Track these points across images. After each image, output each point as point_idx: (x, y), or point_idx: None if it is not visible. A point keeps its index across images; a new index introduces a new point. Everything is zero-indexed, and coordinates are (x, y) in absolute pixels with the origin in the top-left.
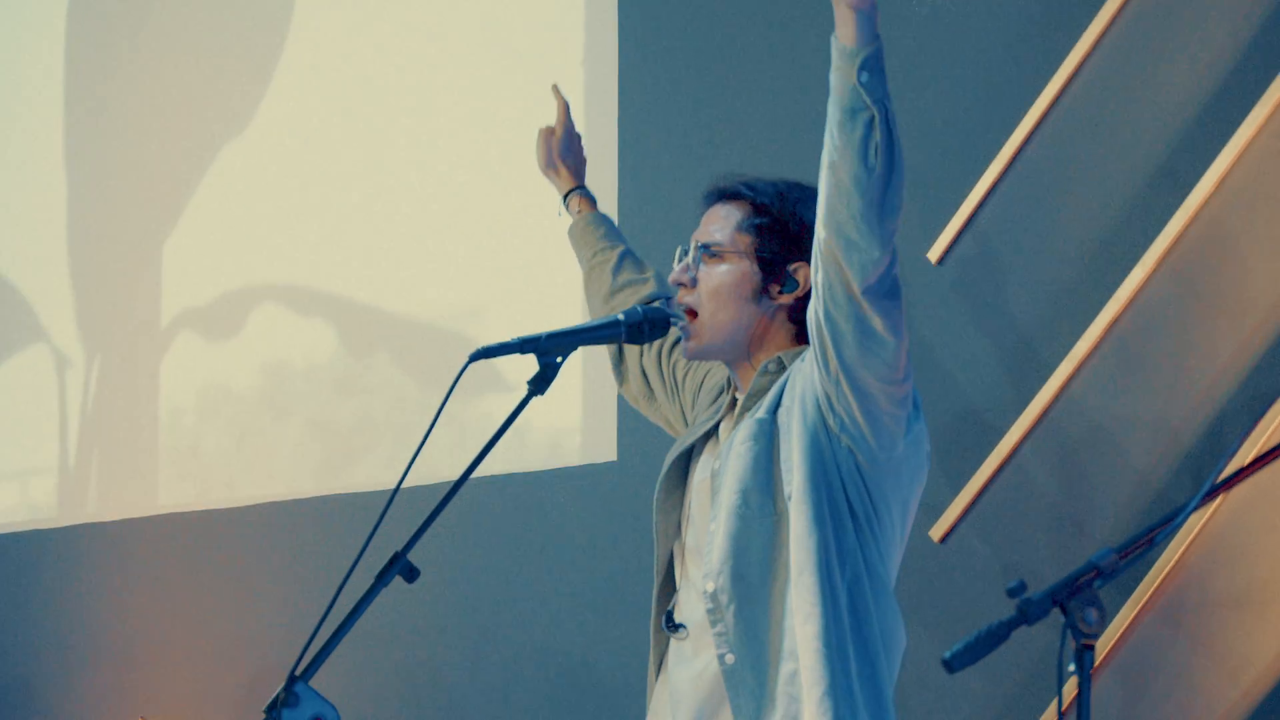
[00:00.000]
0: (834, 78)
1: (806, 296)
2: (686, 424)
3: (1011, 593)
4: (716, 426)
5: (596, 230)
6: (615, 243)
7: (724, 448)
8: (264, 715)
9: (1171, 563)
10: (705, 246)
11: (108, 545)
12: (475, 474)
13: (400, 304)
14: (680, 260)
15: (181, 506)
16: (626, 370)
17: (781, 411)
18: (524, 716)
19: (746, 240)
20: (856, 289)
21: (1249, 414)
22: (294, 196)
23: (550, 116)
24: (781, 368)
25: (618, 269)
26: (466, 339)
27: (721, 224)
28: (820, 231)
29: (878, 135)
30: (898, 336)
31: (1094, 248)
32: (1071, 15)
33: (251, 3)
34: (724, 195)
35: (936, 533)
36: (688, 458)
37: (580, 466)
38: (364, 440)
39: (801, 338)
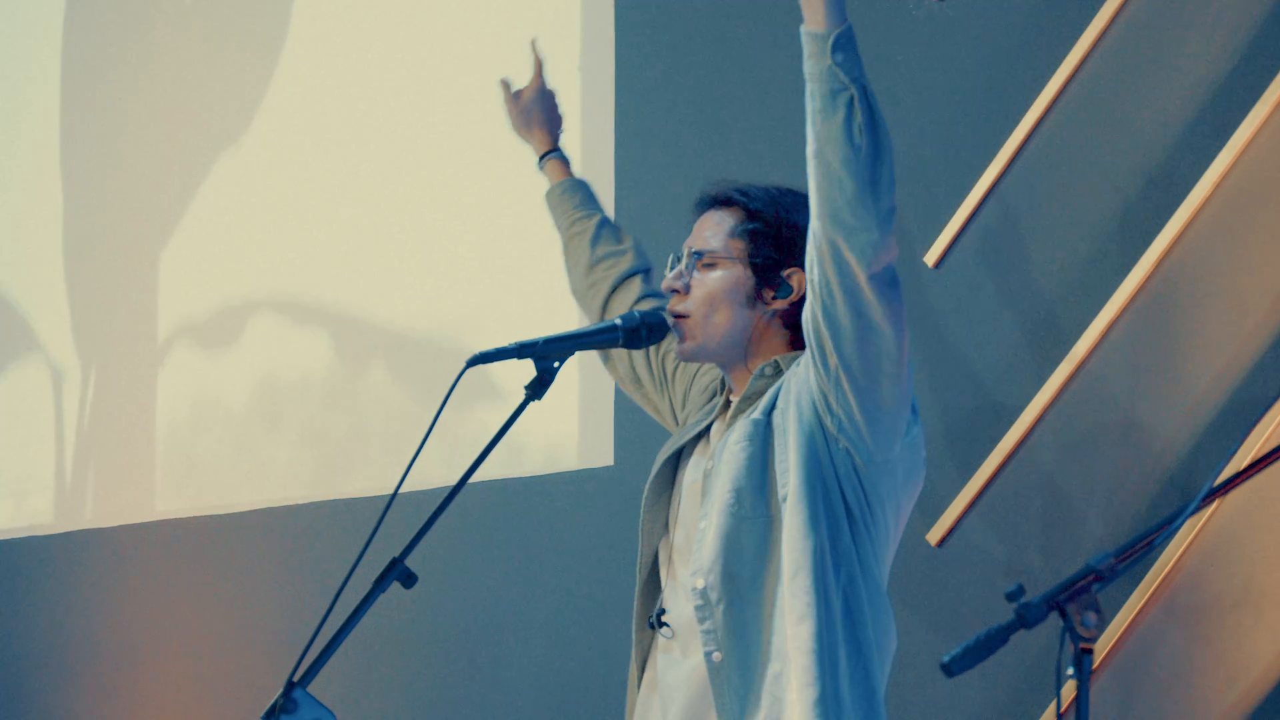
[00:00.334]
0: (808, 65)
1: (801, 301)
2: (675, 418)
3: (1010, 596)
4: (708, 428)
5: (573, 198)
6: (592, 210)
7: (716, 448)
8: None
9: (1169, 566)
10: (699, 253)
11: (104, 551)
12: (472, 479)
13: (395, 316)
14: (673, 267)
15: (178, 513)
16: (612, 354)
17: (776, 414)
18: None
19: (740, 246)
20: (863, 276)
21: (1246, 418)
22: (290, 208)
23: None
24: (778, 371)
25: (596, 239)
26: (462, 351)
27: (715, 230)
28: (816, 225)
29: (859, 114)
30: (898, 328)
31: (1091, 251)
32: (1069, 17)
33: (246, 15)
34: (716, 202)
35: (934, 536)
36: (677, 458)
37: (577, 471)
38: (360, 448)
39: (796, 343)
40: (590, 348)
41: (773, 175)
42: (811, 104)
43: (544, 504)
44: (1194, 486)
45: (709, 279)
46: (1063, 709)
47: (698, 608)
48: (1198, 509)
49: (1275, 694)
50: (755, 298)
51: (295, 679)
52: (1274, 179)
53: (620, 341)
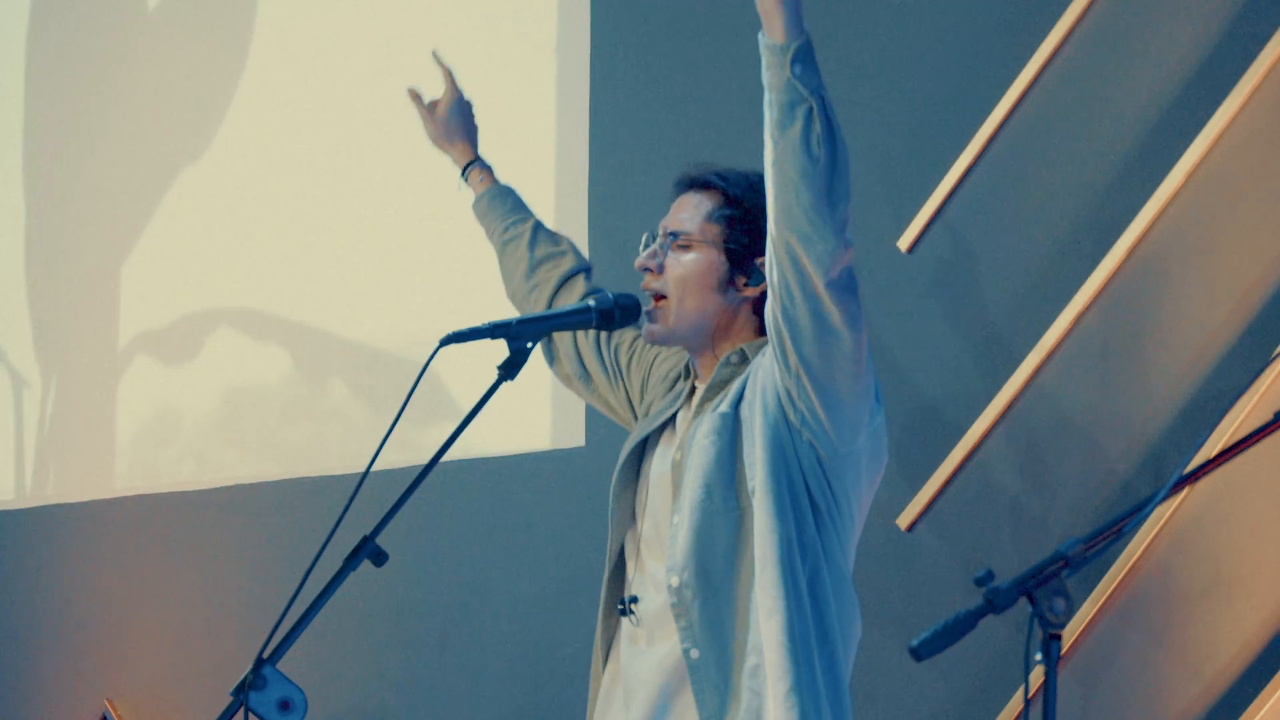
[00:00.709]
0: (767, 76)
1: None
2: (632, 410)
3: (979, 582)
4: (674, 417)
5: (503, 204)
6: (524, 215)
7: (685, 439)
8: (231, 698)
9: (1137, 554)
10: (674, 234)
11: (71, 528)
12: (444, 458)
13: (356, 327)
14: (647, 246)
15: (146, 489)
16: (557, 352)
17: (744, 406)
18: (491, 700)
19: (715, 230)
20: (820, 282)
21: (1216, 407)
22: (251, 221)
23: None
24: (744, 359)
25: (534, 243)
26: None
27: (692, 213)
28: (774, 230)
29: (818, 125)
30: (856, 330)
31: (1063, 239)
32: (1043, 6)
33: (209, 29)
34: (695, 184)
35: (904, 521)
36: (643, 448)
37: (548, 452)
38: (318, 449)
39: (764, 330)
40: (564, 328)
41: (748, 161)
42: (769, 113)
43: (515, 484)
44: (1164, 474)
45: (683, 261)
46: (1030, 694)
47: (673, 605)
48: (1167, 496)
49: (1242, 681)
50: (728, 283)
51: (265, 656)
52: (1245, 169)
53: (594, 322)
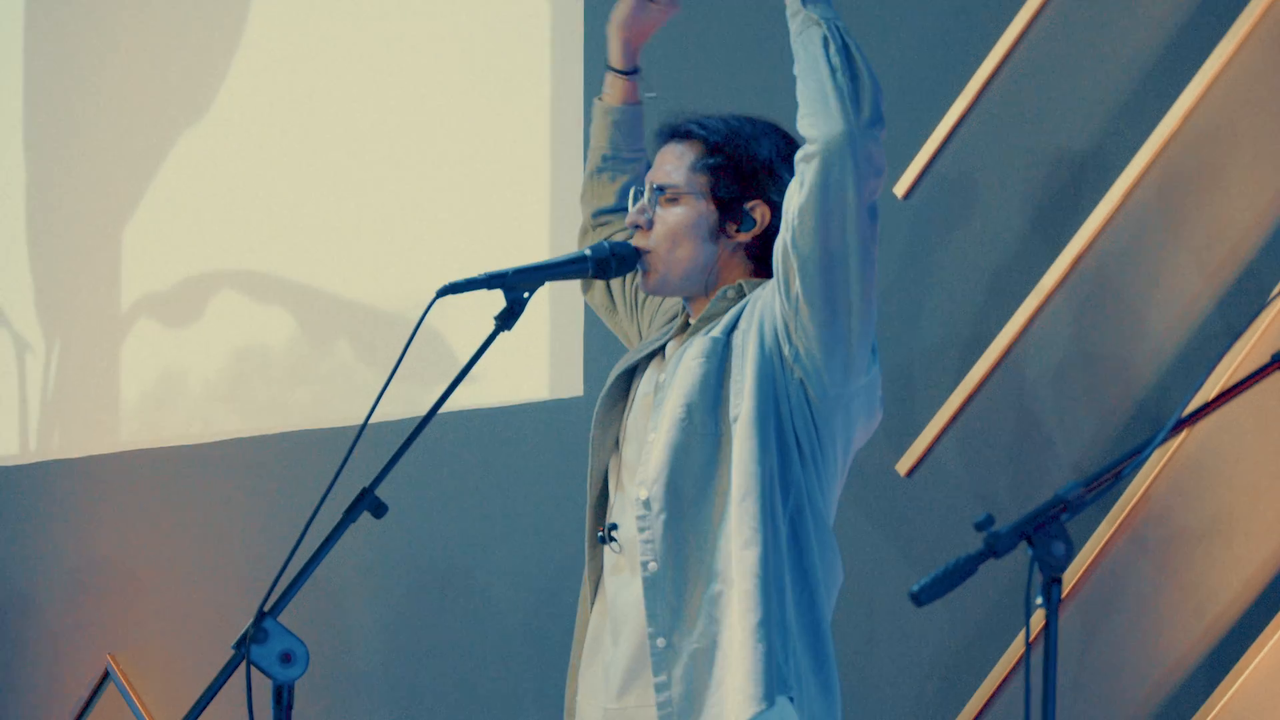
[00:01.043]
0: (788, 9)
1: (764, 234)
2: (641, 337)
3: (979, 526)
4: (664, 346)
5: (631, 133)
6: (639, 157)
7: (671, 363)
8: (233, 651)
9: (1137, 496)
10: (661, 188)
11: (73, 483)
12: (442, 409)
13: (359, 289)
14: (635, 201)
15: (148, 443)
16: (593, 281)
17: (737, 334)
18: (494, 649)
19: (702, 180)
20: (851, 191)
21: (1214, 349)
22: (254, 182)
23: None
24: (740, 294)
25: (626, 191)
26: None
27: (675, 164)
28: (807, 133)
29: (834, 43)
30: (865, 263)
31: (1060, 182)
32: None
33: None
34: (676, 134)
35: (904, 466)
36: (630, 375)
37: (547, 401)
38: (321, 412)
39: (759, 273)
40: (560, 278)
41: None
42: (793, 38)
43: (513, 434)
44: (1163, 417)
45: (671, 214)
46: (1031, 638)
47: (639, 518)
48: (1166, 439)
49: (1243, 622)
50: (718, 231)
51: (266, 609)
52: (1242, 110)
53: (590, 272)
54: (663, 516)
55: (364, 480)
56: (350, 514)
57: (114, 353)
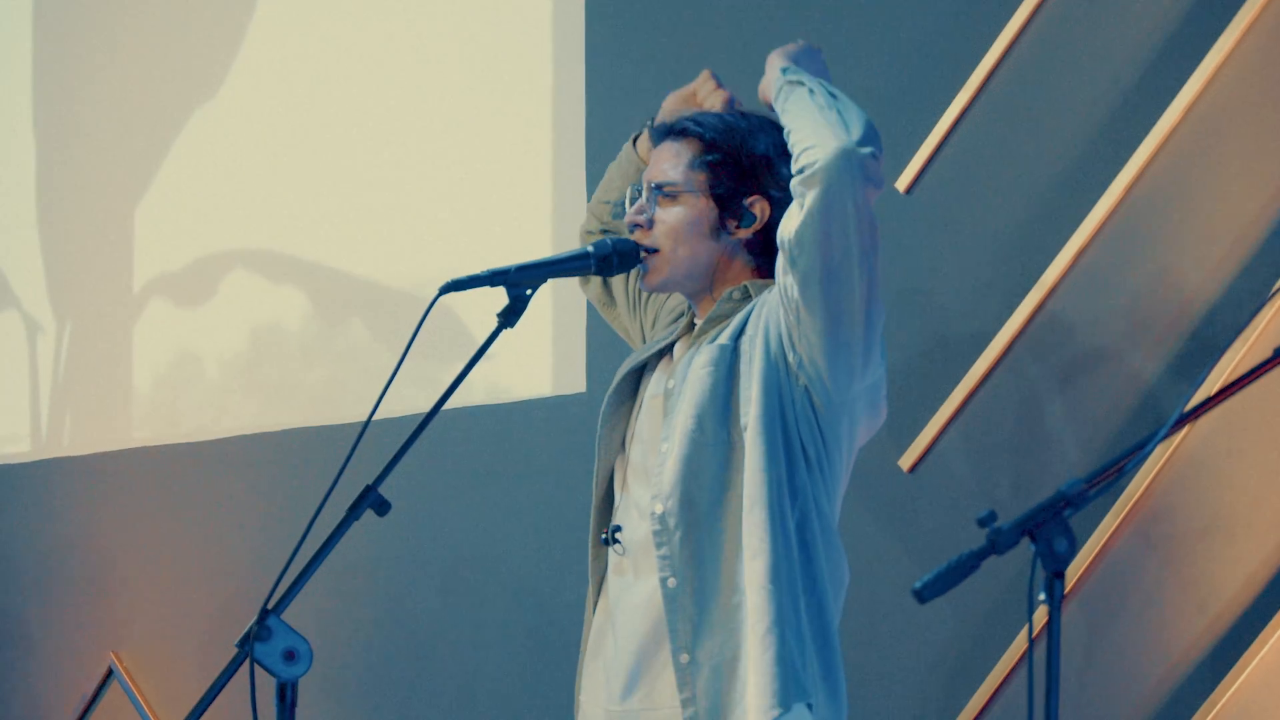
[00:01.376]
0: (771, 91)
1: (765, 229)
2: (643, 335)
3: (982, 522)
4: (671, 346)
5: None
6: None
7: (680, 367)
8: (236, 649)
9: (1140, 492)
10: (659, 187)
11: (78, 481)
12: (446, 406)
13: (372, 269)
14: (634, 201)
15: (153, 441)
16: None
17: (745, 339)
18: (495, 646)
19: (700, 178)
20: (850, 201)
21: (1216, 344)
22: (266, 162)
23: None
24: (747, 296)
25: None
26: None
27: (673, 162)
28: (808, 159)
29: (820, 92)
30: (866, 274)
31: (1063, 176)
32: None
33: None
34: (672, 133)
35: (906, 462)
36: (638, 375)
37: (549, 398)
38: (337, 390)
39: (762, 270)
40: (563, 274)
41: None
42: (780, 112)
43: (517, 430)
44: (1165, 412)
45: (671, 213)
46: (1034, 634)
47: (655, 533)
48: (1168, 434)
49: (1245, 619)
50: (719, 228)
51: (270, 606)
52: (1242, 106)
53: (592, 269)
54: (679, 531)
55: (367, 477)
56: (354, 512)
57: (125, 335)
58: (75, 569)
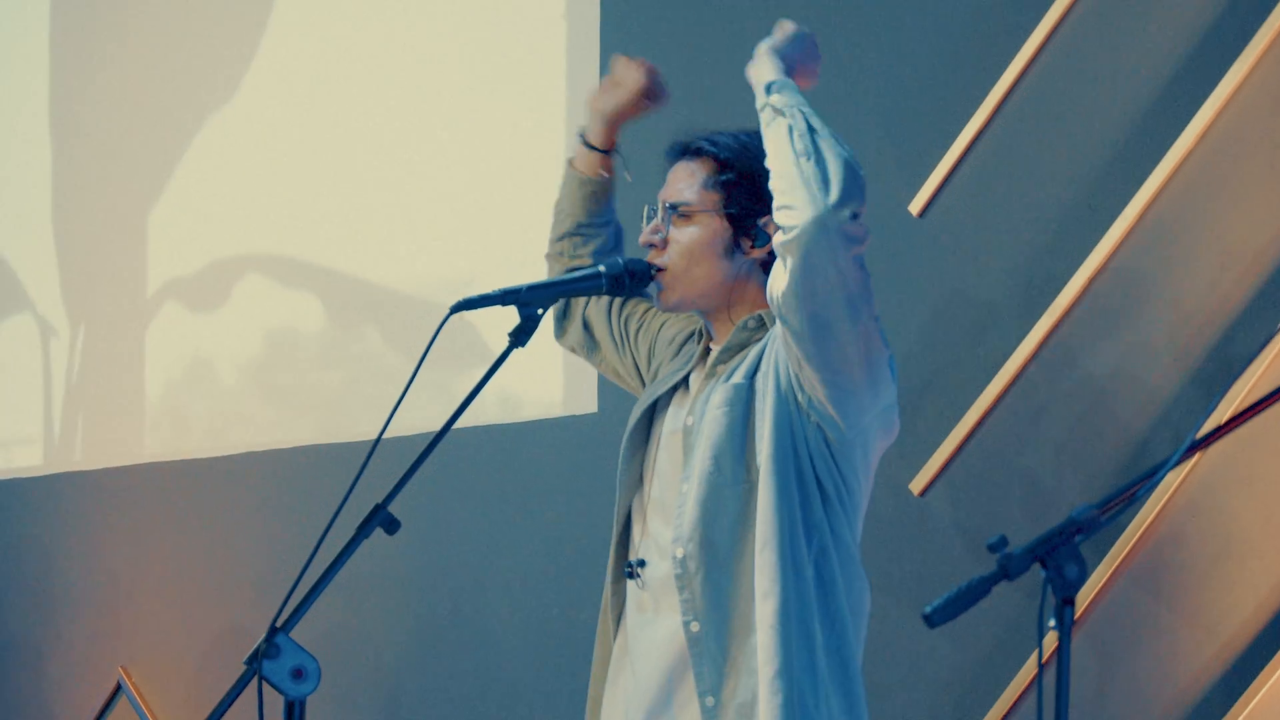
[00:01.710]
0: (758, 105)
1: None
2: (640, 378)
3: (992, 548)
4: (686, 378)
5: (602, 202)
6: (608, 220)
7: (698, 403)
8: (245, 666)
9: (1150, 519)
10: (674, 207)
11: (89, 494)
12: (457, 426)
13: (386, 273)
14: (649, 220)
15: (163, 456)
16: (568, 323)
17: (759, 377)
18: (504, 666)
19: (714, 198)
20: (833, 270)
21: (1228, 371)
22: (280, 167)
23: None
24: (761, 325)
25: (599, 253)
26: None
27: (688, 182)
28: (786, 222)
29: (798, 130)
30: (856, 326)
31: (1075, 202)
32: None
33: None
34: (687, 152)
35: (917, 486)
36: (652, 410)
37: (561, 418)
38: (350, 404)
39: None
40: (574, 294)
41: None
42: (764, 140)
43: (528, 450)
44: (1176, 439)
45: (685, 232)
46: (1044, 660)
47: (677, 576)
48: (1180, 461)
49: (1256, 646)
50: (733, 248)
51: (278, 624)
52: (1256, 132)
53: (604, 289)
54: (700, 574)
55: (377, 496)
56: (363, 530)
57: (139, 340)
58: (85, 583)
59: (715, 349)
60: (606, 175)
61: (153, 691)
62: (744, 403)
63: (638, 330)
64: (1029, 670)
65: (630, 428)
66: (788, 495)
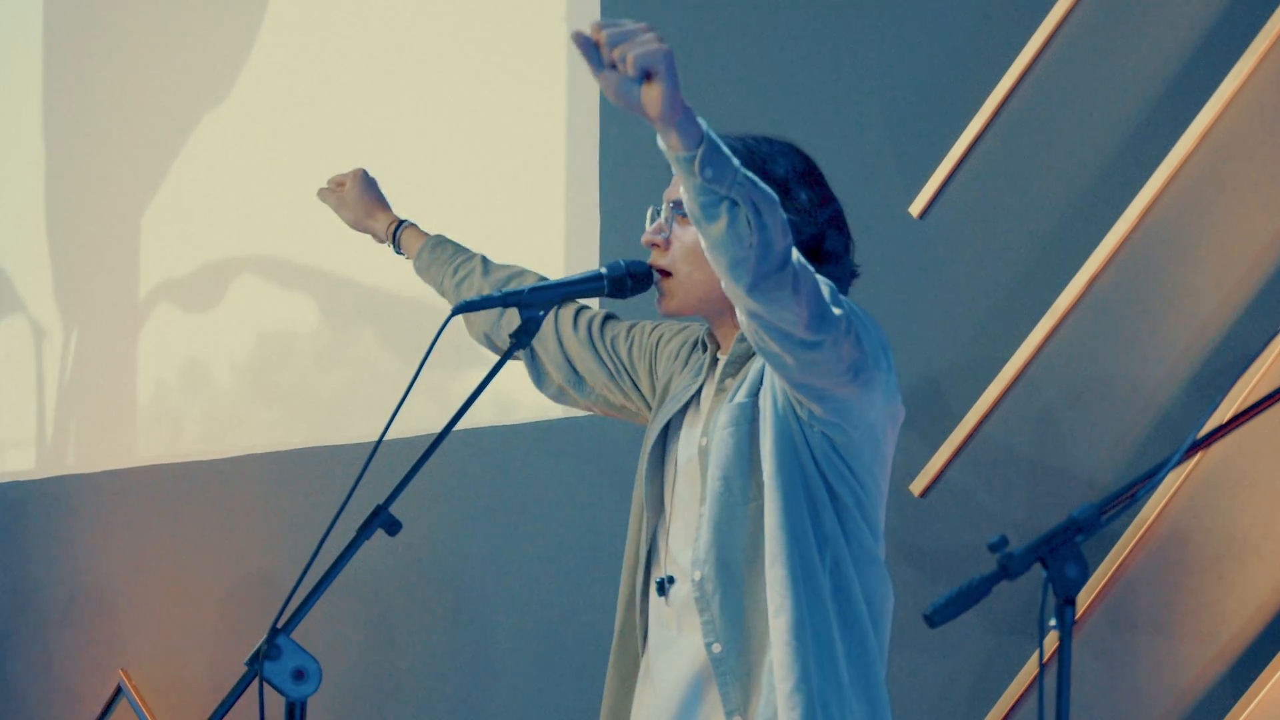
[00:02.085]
0: (684, 184)
1: None
2: (642, 395)
3: (993, 547)
4: (698, 392)
5: (442, 251)
6: (467, 255)
7: (710, 423)
8: (245, 667)
9: (1151, 519)
10: (678, 205)
11: (87, 497)
12: (457, 427)
13: (380, 276)
14: (653, 220)
15: (162, 459)
16: (544, 366)
17: (762, 394)
18: (504, 670)
19: None
20: (788, 343)
21: (1229, 371)
22: (275, 168)
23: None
24: None
25: (486, 273)
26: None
27: None
28: (736, 305)
29: (743, 213)
30: (836, 348)
31: (1076, 203)
32: None
33: None
34: None
35: (917, 487)
36: (666, 430)
37: (561, 420)
38: (346, 407)
39: None
40: (575, 296)
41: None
42: (691, 210)
43: (528, 452)
44: (1177, 439)
45: (690, 232)
46: (1045, 660)
47: (696, 599)
48: (1181, 461)
49: (1257, 646)
50: None
51: (279, 626)
52: (1258, 132)
53: (605, 290)
54: (718, 596)
55: (378, 497)
56: (364, 531)
57: (132, 341)
58: (84, 586)
59: (722, 358)
60: (421, 243)
61: (153, 694)
62: (748, 421)
63: (630, 349)
64: (1030, 670)
65: (647, 450)
66: (795, 510)
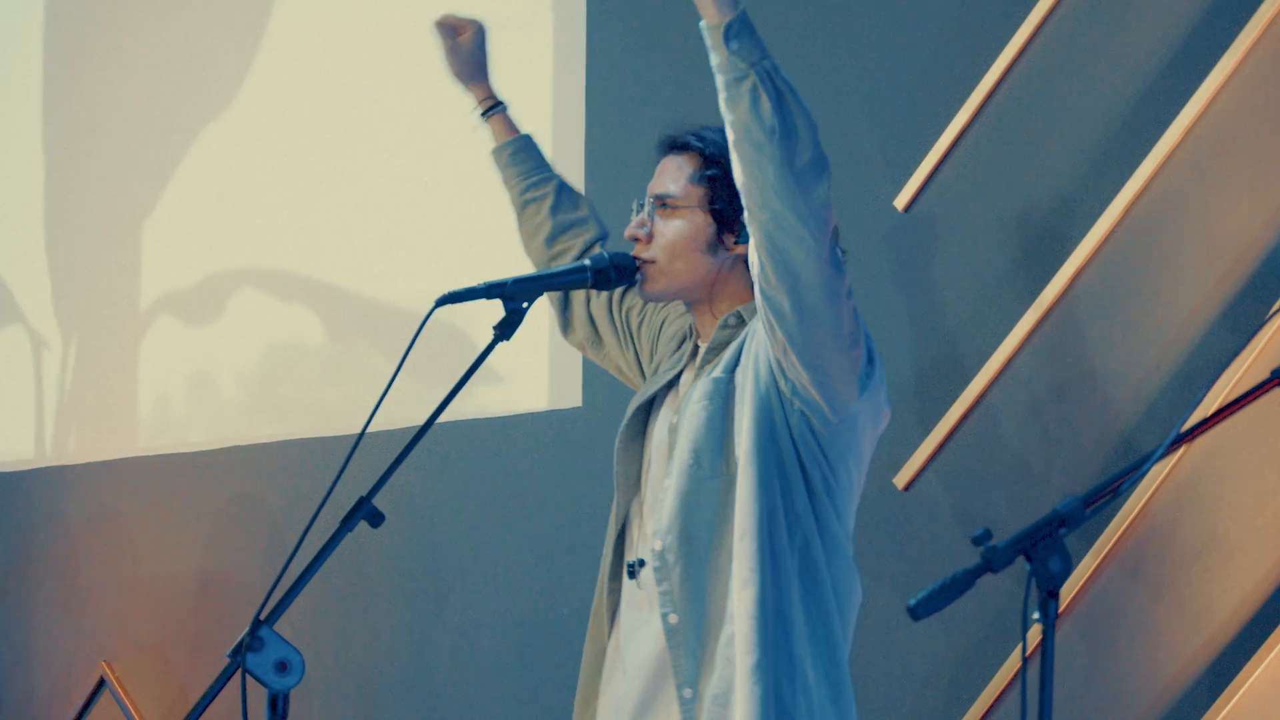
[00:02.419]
0: (712, 60)
1: None
2: (642, 371)
3: (977, 540)
4: (678, 377)
5: (526, 159)
6: (546, 175)
7: (683, 403)
8: (228, 659)
9: (1135, 511)
10: (658, 198)
11: (70, 488)
12: (441, 419)
13: (382, 288)
14: (636, 214)
15: (145, 450)
16: (572, 317)
17: (739, 371)
18: (488, 661)
19: (699, 192)
20: (800, 264)
21: (1214, 365)
22: (274, 180)
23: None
24: (741, 322)
25: (556, 207)
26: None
27: (674, 175)
28: (748, 216)
29: (765, 97)
30: (836, 307)
31: (1060, 198)
32: None
33: None
34: (675, 146)
35: (901, 480)
36: (648, 408)
37: (545, 412)
38: (331, 394)
39: None
40: (559, 288)
41: None
42: (721, 96)
43: (512, 444)
44: (1162, 432)
45: (670, 226)
46: (1028, 652)
47: (656, 569)
48: (1164, 454)
49: (1240, 640)
50: (716, 243)
51: (262, 617)
52: (1242, 126)
53: (589, 283)
54: (679, 567)
55: (362, 489)
56: (347, 523)
57: (132, 351)
58: (67, 578)
59: (703, 346)
60: (514, 136)
61: (136, 686)
62: (723, 395)
63: (640, 323)
64: (1014, 663)
65: (624, 425)
66: (768, 486)
